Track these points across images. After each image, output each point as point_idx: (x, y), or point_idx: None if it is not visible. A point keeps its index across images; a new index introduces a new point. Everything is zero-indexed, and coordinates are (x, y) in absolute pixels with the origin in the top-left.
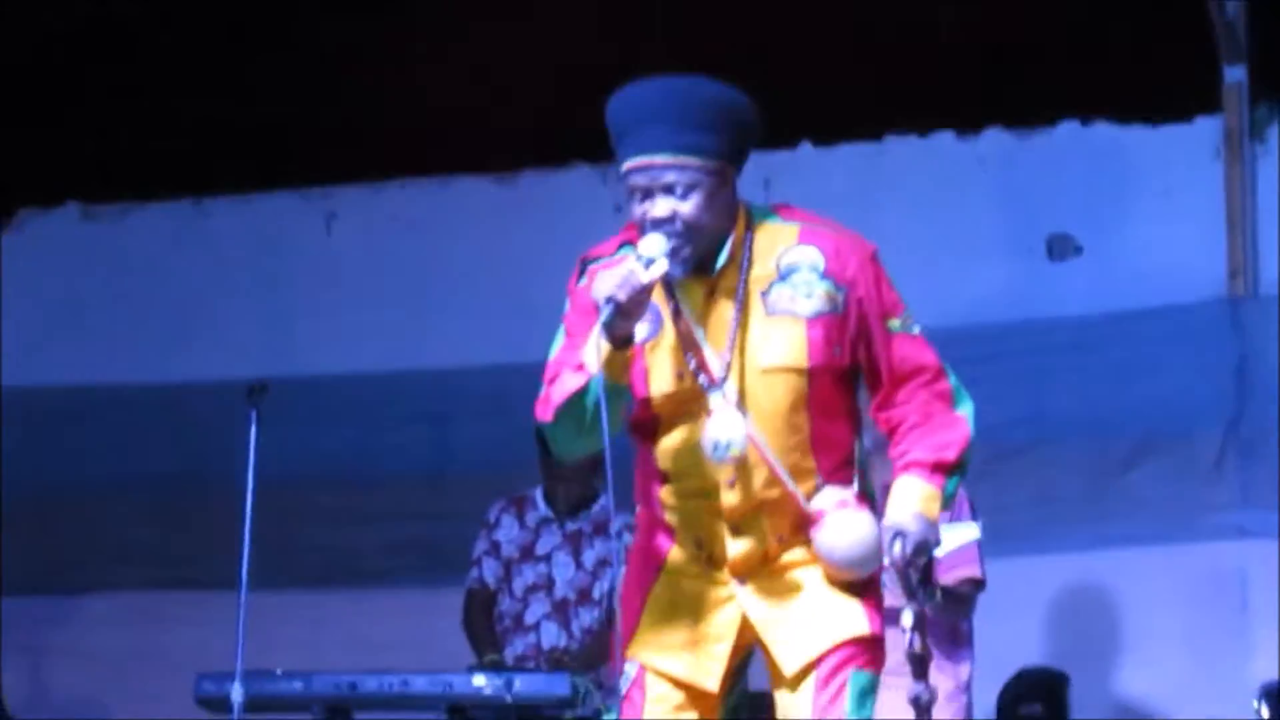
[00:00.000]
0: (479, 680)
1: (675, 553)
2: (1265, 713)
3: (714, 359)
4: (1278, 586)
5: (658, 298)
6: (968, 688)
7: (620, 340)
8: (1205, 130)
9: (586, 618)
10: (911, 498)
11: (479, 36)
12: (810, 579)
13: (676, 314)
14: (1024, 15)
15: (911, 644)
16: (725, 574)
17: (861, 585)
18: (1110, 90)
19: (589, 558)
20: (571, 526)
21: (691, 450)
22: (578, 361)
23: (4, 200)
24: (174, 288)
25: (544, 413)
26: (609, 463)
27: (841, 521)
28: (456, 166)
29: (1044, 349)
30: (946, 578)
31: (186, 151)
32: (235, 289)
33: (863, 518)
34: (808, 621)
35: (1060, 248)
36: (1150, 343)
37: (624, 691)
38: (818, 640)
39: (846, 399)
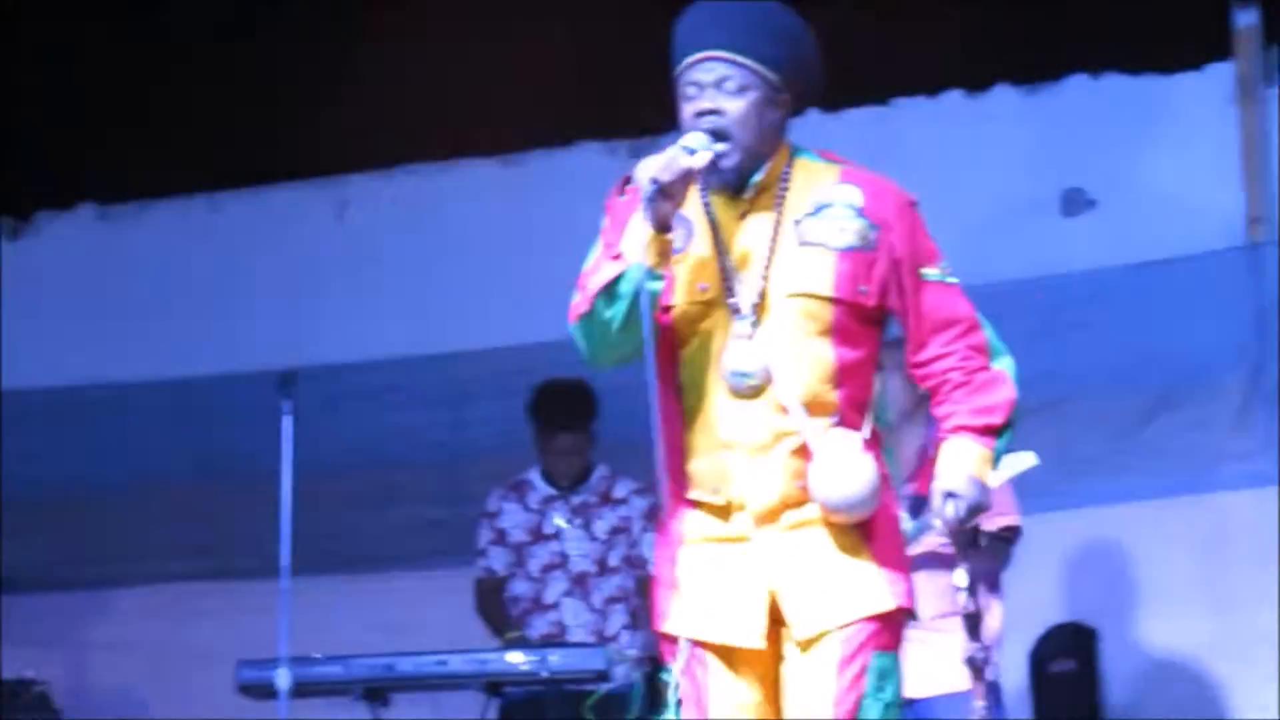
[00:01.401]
0: (515, 657)
1: (698, 518)
2: None
3: (743, 283)
4: None
5: (692, 212)
6: (999, 640)
7: (661, 223)
8: (1218, 76)
9: (607, 587)
10: (964, 460)
11: (483, 18)
12: (833, 540)
13: (712, 230)
14: None
15: (966, 604)
16: (746, 523)
17: (886, 547)
18: (1119, 40)
19: (600, 528)
20: (576, 500)
21: (711, 376)
22: (615, 252)
23: (21, 203)
24: (190, 284)
25: (577, 310)
26: (650, 358)
27: (838, 462)
28: (463, 150)
29: (1061, 304)
30: (987, 525)
31: (197, 148)
32: (251, 282)
33: (861, 461)
34: (828, 586)
35: (1073, 202)
36: (1169, 293)
37: (683, 667)
38: (836, 611)
39: (869, 344)
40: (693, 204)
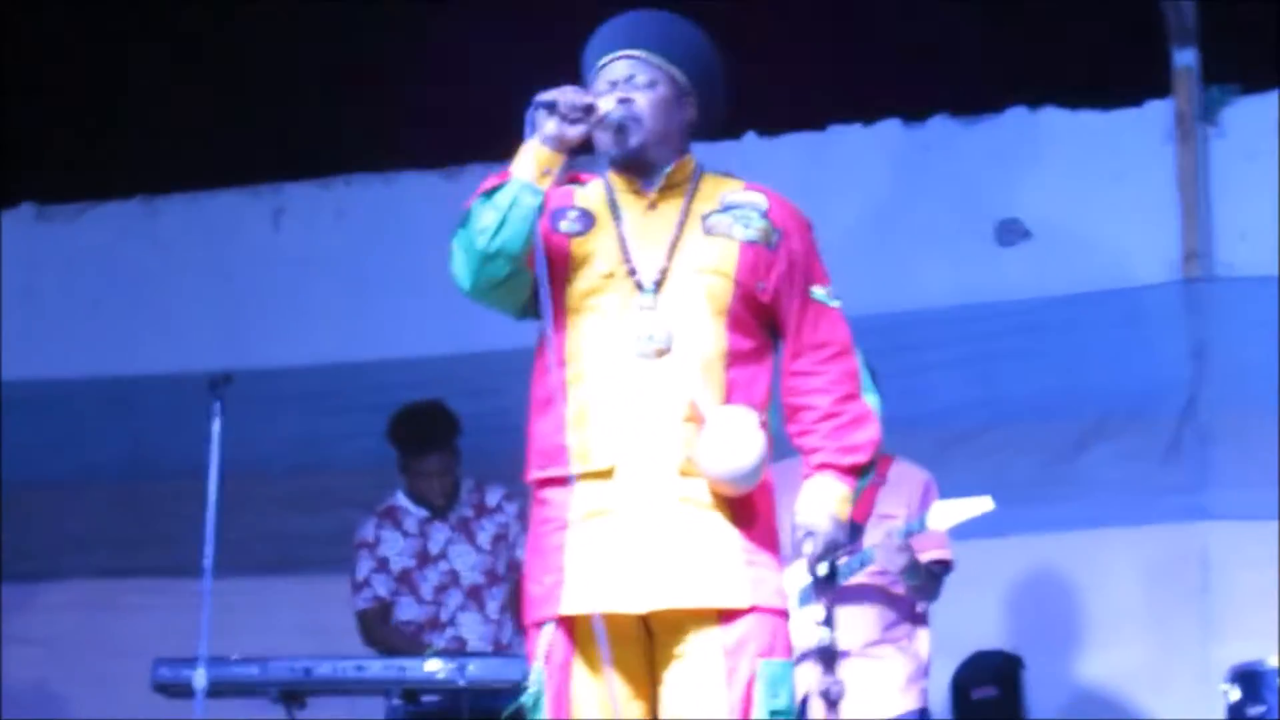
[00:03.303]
0: (433, 665)
1: (580, 494)
2: (1235, 695)
3: (645, 261)
4: (1239, 568)
5: (595, 203)
6: (929, 666)
7: (551, 139)
8: (1156, 114)
9: (500, 595)
10: (825, 498)
11: (427, 28)
12: (709, 526)
13: (615, 218)
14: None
15: (821, 639)
16: (630, 490)
17: (759, 542)
18: (1059, 75)
19: (483, 539)
20: (454, 516)
21: (607, 343)
22: (502, 173)
23: None
24: (126, 285)
25: (458, 227)
26: (542, 271)
27: (728, 431)
28: (402, 162)
29: (995, 333)
30: (920, 556)
31: (137, 151)
32: (187, 285)
33: (752, 434)
34: (690, 569)
35: (1009, 233)
36: (1104, 326)
37: (546, 653)
38: (692, 594)
39: (761, 343)
40: (596, 196)
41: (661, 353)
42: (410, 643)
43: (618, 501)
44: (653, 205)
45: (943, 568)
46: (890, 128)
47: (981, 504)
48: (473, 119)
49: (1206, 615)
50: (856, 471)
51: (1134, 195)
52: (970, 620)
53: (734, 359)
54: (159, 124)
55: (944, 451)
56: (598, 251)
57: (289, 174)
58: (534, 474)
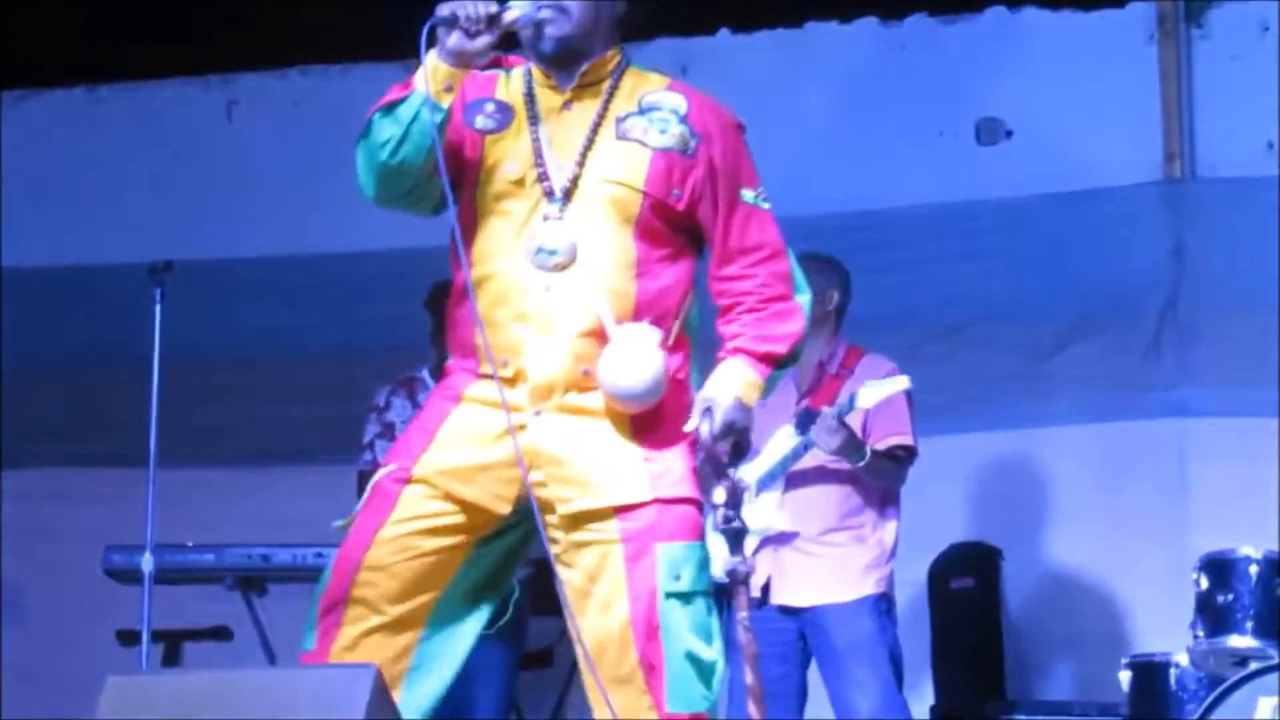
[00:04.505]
0: None
1: (475, 385)
2: (1204, 583)
3: (555, 167)
4: (1215, 463)
5: (513, 99)
6: (894, 553)
7: (451, 55)
8: (1138, 14)
9: None
10: (732, 380)
11: None
12: (604, 430)
13: (531, 117)
14: None
15: (727, 519)
16: (524, 400)
17: (656, 442)
18: None
19: None
20: None
21: (512, 253)
22: (405, 83)
23: None
24: (73, 174)
25: (360, 136)
26: (444, 174)
27: (627, 350)
28: (359, 53)
29: (975, 232)
30: (879, 443)
31: (82, 39)
32: (136, 175)
33: (651, 353)
34: (587, 470)
35: (989, 132)
36: (1084, 224)
37: (374, 482)
38: (605, 491)
39: (676, 249)
40: (515, 91)
41: (562, 266)
42: None
43: (513, 400)
44: (568, 104)
45: (905, 453)
46: (867, 25)
47: (900, 381)
48: (431, 8)
49: (1182, 510)
50: (772, 361)
51: (1116, 95)
52: (950, 514)
53: (644, 269)
54: (107, 10)
55: (923, 349)
56: (510, 154)
57: (242, 65)
58: (452, 360)
